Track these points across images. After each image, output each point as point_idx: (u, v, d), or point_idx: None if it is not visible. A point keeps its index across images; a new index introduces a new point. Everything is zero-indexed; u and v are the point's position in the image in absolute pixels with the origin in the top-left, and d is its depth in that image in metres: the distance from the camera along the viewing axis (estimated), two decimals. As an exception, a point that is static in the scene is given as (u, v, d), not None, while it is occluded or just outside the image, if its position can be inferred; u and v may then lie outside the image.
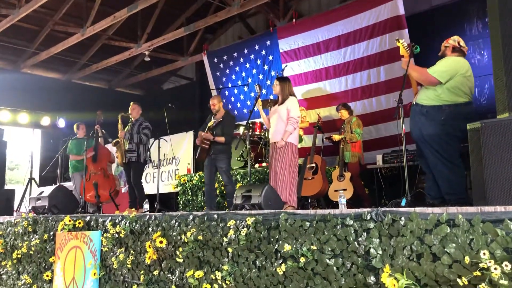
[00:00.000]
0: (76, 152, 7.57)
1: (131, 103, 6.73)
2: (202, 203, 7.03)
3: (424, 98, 3.99)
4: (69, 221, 4.94)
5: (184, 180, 7.58)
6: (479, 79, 6.50)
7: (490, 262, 2.12)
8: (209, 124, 5.83)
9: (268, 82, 8.28)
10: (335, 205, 5.69)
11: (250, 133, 6.37)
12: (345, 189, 5.76)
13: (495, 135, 2.68)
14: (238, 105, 8.98)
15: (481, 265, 2.14)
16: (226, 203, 5.94)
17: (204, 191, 6.44)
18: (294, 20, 7.98)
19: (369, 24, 6.92)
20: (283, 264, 3.03)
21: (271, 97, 7.84)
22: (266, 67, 8.42)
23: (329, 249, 2.83)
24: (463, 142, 4.56)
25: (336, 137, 6.35)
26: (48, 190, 6.03)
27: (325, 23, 7.46)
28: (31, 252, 5.38)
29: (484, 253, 2.15)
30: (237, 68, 8.94)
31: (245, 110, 8.82)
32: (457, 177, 3.90)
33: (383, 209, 2.68)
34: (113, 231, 4.41)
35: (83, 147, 7.42)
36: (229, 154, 5.95)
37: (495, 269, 2.09)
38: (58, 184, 7.91)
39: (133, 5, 7.84)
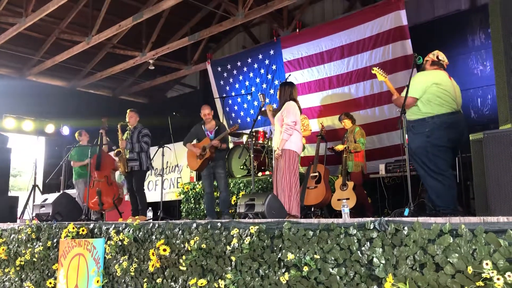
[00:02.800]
0: (77, 158, 7.61)
1: (128, 111, 6.73)
2: (205, 211, 7.03)
3: (409, 114, 4.09)
4: (73, 228, 4.96)
5: (187, 188, 7.60)
6: (481, 90, 6.53)
7: (492, 272, 2.12)
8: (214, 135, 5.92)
9: (272, 91, 8.32)
10: (338, 214, 5.69)
11: (253, 142, 6.38)
12: (348, 199, 5.77)
13: (497, 146, 2.69)
14: (241, 113, 9.01)
15: (483, 275, 2.15)
16: (218, 208, 5.92)
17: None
18: (297, 30, 8.03)
19: (372, 34, 6.96)
20: (286, 273, 3.04)
21: (274, 105, 7.87)
22: (269, 76, 8.46)
23: (332, 258, 2.84)
24: (463, 152, 4.60)
25: (340, 147, 6.36)
26: (51, 197, 6.06)
27: (329, 33, 7.50)
28: (34, 259, 5.39)
29: (487, 263, 2.16)
30: (240, 77, 8.98)
31: (248, 119, 8.85)
32: (447, 189, 3.91)
33: (386, 218, 2.69)
34: (117, 239, 4.43)
35: (85, 154, 7.47)
36: (225, 160, 6.08)
37: (498, 279, 2.10)
38: (61, 191, 7.93)
39: (138, 14, 7.92)
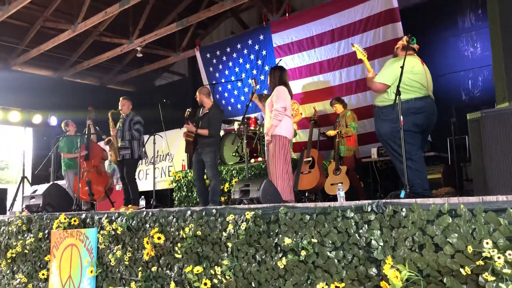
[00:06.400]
0: (67, 150, 7.55)
1: (121, 98, 6.62)
2: (198, 199, 6.99)
3: (379, 100, 4.12)
4: (64, 219, 4.90)
5: (179, 176, 7.54)
6: (472, 72, 6.53)
7: (493, 251, 2.12)
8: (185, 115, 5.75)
9: (262, 77, 8.25)
10: (331, 199, 5.69)
11: (245, 128, 6.33)
12: (341, 183, 5.75)
13: (495, 125, 2.68)
14: (232, 100, 8.94)
15: (484, 254, 2.15)
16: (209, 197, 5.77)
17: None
18: (287, 15, 7.94)
19: (362, 17, 6.90)
20: (283, 258, 3.02)
21: (265, 91, 7.81)
22: (259, 62, 8.38)
23: (330, 241, 2.82)
24: (456, 134, 4.57)
25: (331, 132, 6.34)
26: (41, 188, 5.97)
27: (319, 17, 7.43)
28: (26, 251, 5.33)
29: (487, 243, 2.16)
30: (230, 63, 8.88)
31: (239, 106, 8.79)
32: (415, 173, 3.90)
33: (384, 200, 2.68)
34: (110, 228, 4.38)
35: (74, 144, 7.39)
36: (215, 148, 5.74)
37: (499, 258, 2.10)
38: (51, 182, 7.82)
39: (124, 1, 7.74)
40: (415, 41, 3.96)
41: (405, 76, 3.90)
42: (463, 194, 4.49)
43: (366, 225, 2.69)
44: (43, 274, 5.06)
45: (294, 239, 2.99)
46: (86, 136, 7.03)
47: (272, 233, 3.16)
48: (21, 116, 9.65)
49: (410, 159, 3.87)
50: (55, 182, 6.99)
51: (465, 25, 6.64)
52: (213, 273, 3.47)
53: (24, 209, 6.04)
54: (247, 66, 8.59)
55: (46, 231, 5.16)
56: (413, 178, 3.86)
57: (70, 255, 4.78)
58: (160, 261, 3.97)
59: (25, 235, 5.39)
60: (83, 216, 4.84)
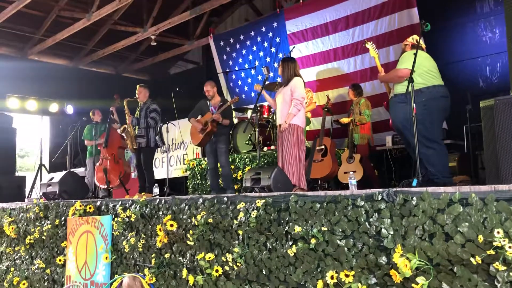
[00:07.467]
0: (90, 137, 7.70)
1: (138, 86, 6.66)
2: (211, 187, 7.02)
3: (401, 88, 4.10)
4: (80, 206, 4.98)
5: (193, 164, 7.59)
6: (490, 58, 6.38)
7: (504, 240, 2.09)
8: (217, 109, 5.93)
9: (276, 65, 8.20)
10: (344, 187, 5.67)
11: (258, 116, 6.33)
12: (354, 171, 5.72)
13: (509, 112, 2.62)
14: (246, 88, 8.92)
15: (495, 243, 2.12)
16: (222, 184, 6.13)
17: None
18: (301, 1, 7.86)
19: (378, 3, 6.79)
20: (293, 246, 3.02)
21: (279, 79, 7.77)
22: (273, 50, 8.33)
23: (340, 230, 2.81)
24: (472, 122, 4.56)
25: (345, 120, 6.29)
26: (58, 176, 6.07)
27: (333, 3, 7.34)
28: (43, 237, 5.44)
29: (498, 232, 2.13)
30: (244, 51, 8.85)
31: (252, 94, 8.77)
32: (441, 157, 3.96)
33: (394, 189, 2.66)
34: (124, 216, 4.44)
35: (97, 132, 7.53)
36: (229, 136, 6.21)
37: (510, 247, 2.07)
38: (68, 170, 7.96)
39: (138, -11, 7.76)
40: (429, 27, 3.89)
41: (430, 64, 4.08)
42: (478, 182, 4.43)
43: (376, 214, 2.68)
44: (60, 260, 5.18)
45: (304, 227, 2.99)
46: (108, 123, 7.15)
47: (282, 221, 3.17)
48: (38, 104, 9.78)
49: (436, 143, 3.92)
50: (71, 170, 7.10)
51: (483, 10, 6.47)
52: (224, 260, 3.50)
53: (41, 196, 6.16)
54: (261, 53, 8.55)
55: (63, 218, 5.26)
56: (438, 162, 3.86)
57: (85, 241, 4.88)
58: (173, 248, 4.02)
59: (43, 222, 5.50)
60: (98, 203, 4.92)
